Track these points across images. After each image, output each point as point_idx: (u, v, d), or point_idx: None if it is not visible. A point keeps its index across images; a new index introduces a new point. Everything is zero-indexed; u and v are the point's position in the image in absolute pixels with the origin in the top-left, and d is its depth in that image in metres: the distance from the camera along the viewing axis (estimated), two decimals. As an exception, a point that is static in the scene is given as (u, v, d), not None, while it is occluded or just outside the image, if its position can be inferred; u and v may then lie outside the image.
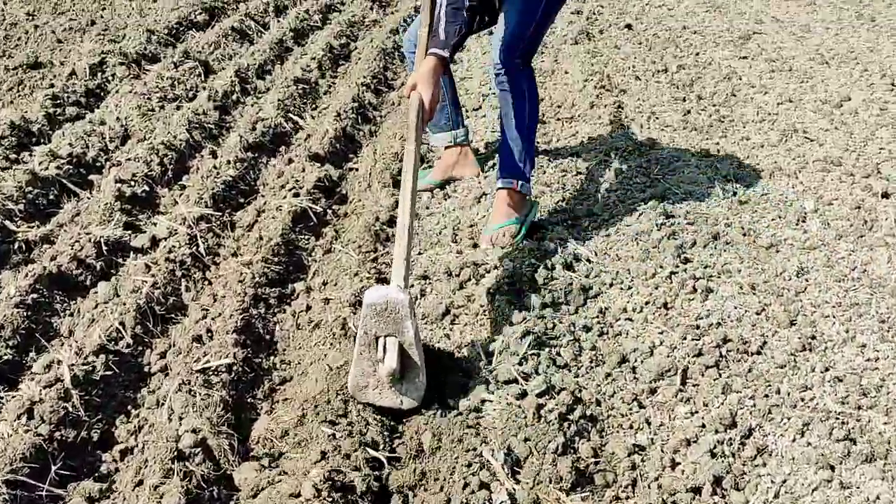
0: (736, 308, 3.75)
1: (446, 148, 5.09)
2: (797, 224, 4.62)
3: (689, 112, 6.24)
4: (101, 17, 7.62)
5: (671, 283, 3.90)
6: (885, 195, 4.93)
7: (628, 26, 8.53)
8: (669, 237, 4.25)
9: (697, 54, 7.76)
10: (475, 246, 4.25)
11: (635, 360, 3.43)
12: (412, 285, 3.86)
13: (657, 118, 6.10)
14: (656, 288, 3.87)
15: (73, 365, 3.11)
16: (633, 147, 5.40)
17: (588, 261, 4.15)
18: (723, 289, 3.90)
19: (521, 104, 4.46)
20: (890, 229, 4.55)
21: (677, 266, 4.03)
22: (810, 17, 9.10)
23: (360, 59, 7.25)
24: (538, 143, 5.47)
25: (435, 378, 3.11)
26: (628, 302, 3.81)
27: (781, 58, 7.64)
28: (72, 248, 3.93)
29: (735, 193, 4.99)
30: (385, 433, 2.94)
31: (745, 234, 4.49)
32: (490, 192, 4.73)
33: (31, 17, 7.42)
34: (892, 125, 6.04)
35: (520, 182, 4.40)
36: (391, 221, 4.39)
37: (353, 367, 3.03)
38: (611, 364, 3.39)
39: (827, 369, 3.37)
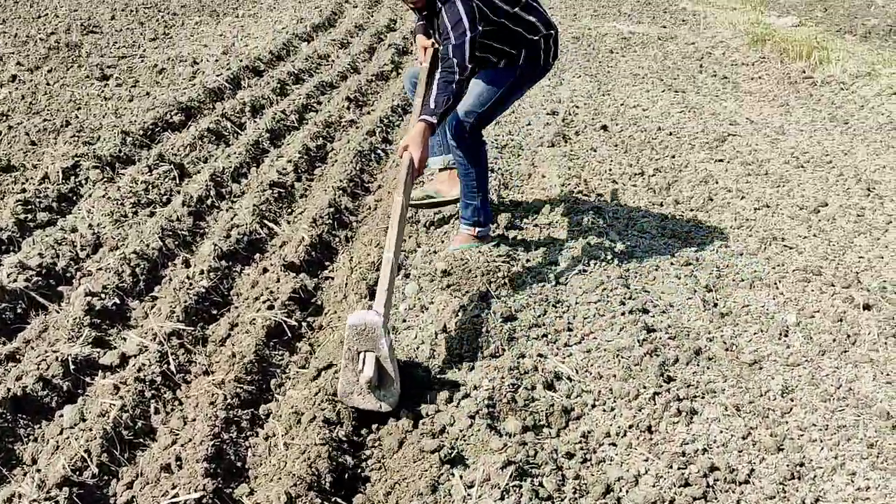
0: (721, 432, 3.67)
1: (440, 170, 5.89)
2: (780, 338, 4.57)
3: (666, 217, 6.22)
4: (77, 117, 7.56)
5: (655, 404, 3.81)
6: (867, 307, 4.89)
7: (604, 127, 8.56)
8: (651, 354, 4.18)
9: (673, 157, 7.78)
10: (453, 362, 4.16)
11: (620, 491, 3.33)
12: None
13: (635, 224, 6.08)
14: (640, 410, 3.79)
15: (34, 501, 2.97)
16: (611, 256, 5.35)
17: (569, 379, 4.07)
18: (707, 410, 3.82)
19: (472, 169, 5.21)
20: (873, 344, 4.51)
21: (660, 386, 3.94)
22: (784, 119, 9.17)
23: (336, 161, 7.21)
24: (517, 246, 5.43)
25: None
26: (611, 425, 3.72)
27: (757, 161, 7.68)
28: (38, 368, 3.81)
29: (716, 305, 4.94)
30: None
31: (727, 350, 4.43)
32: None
33: (4, 118, 7.36)
34: (870, 232, 6.04)
35: (477, 229, 5.33)
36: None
37: (340, 377, 3.68)
38: (595, 495, 3.28)
39: (817, 500, 3.28)
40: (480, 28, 4.60)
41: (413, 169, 4.40)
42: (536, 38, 5.01)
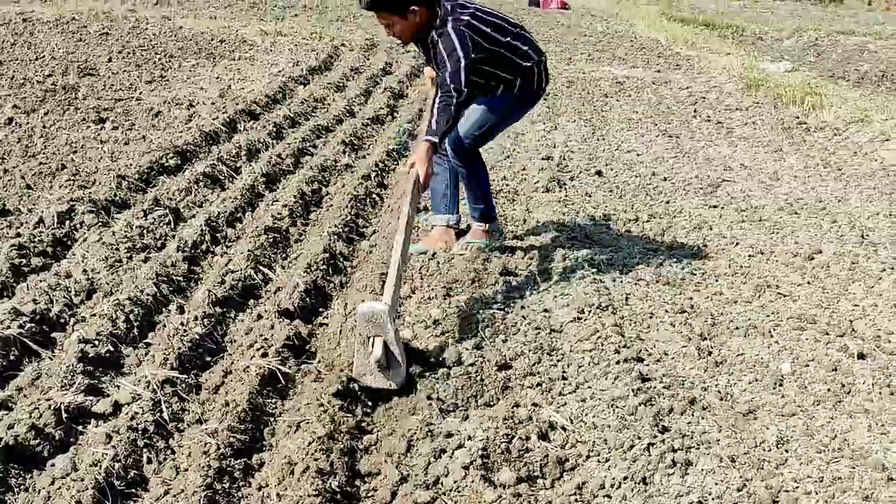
0: (717, 484, 3.66)
1: (445, 226, 6.26)
2: (774, 388, 4.57)
3: (661, 264, 6.23)
4: (72, 160, 7.57)
5: (649, 455, 3.80)
6: (861, 356, 4.90)
7: (599, 173, 8.60)
8: (646, 404, 4.17)
9: (667, 202, 7.82)
10: (447, 411, 4.14)
11: (615, 544, 3.31)
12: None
13: (629, 270, 6.08)
14: (634, 461, 3.77)
15: (24, 554, 2.95)
16: (606, 303, 5.35)
17: (563, 429, 4.06)
18: (702, 461, 3.81)
19: (476, 175, 5.91)
20: (868, 394, 4.51)
21: (655, 436, 3.93)
22: (778, 165, 9.23)
23: (331, 205, 7.23)
24: (511, 292, 5.45)
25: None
26: (606, 476, 3.70)
27: (751, 207, 7.72)
28: (30, 416, 3.79)
29: (710, 353, 4.94)
30: None
31: (722, 399, 4.43)
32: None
33: (0, 161, 7.37)
34: (864, 280, 6.06)
35: (488, 224, 6.08)
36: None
37: (355, 361, 4.30)
38: (589, 548, 3.26)
39: (813, 554, 3.26)
40: (474, 56, 5.16)
41: (419, 183, 5.02)
42: (529, 64, 5.60)
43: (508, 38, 5.48)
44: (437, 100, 5.10)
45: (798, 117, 11.40)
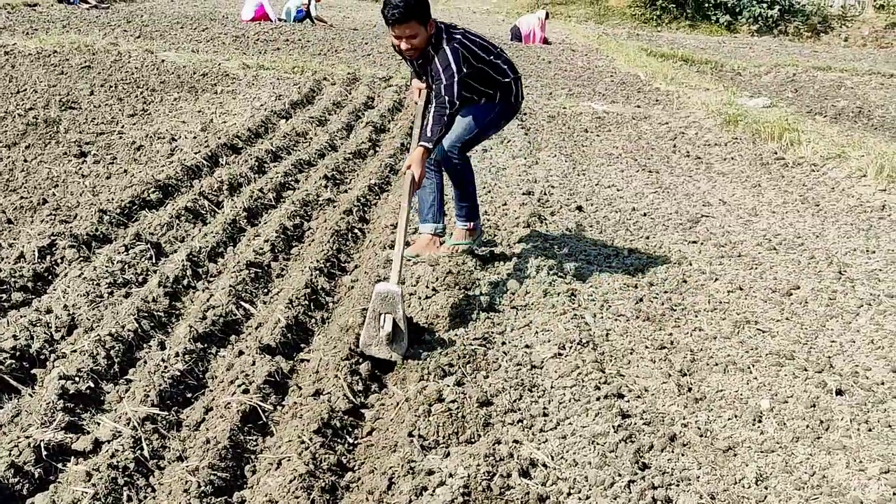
0: (696, 522, 3.67)
1: (431, 234, 6.83)
2: (754, 424, 4.59)
3: (641, 300, 6.27)
4: (54, 194, 7.56)
5: (630, 492, 3.82)
6: (839, 392, 4.94)
7: (579, 208, 8.65)
8: (626, 440, 4.19)
9: (647, 238, 7.87)
10: (428, 449, 4.15)
11: (595, 582, 3.32)
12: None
13: (610, 306, 6.12)
14: (615, 499, 3.79)
15: None
16: (587, 339, 5.38)
17: (545, 466, 4.07)
18: (682, 499, 3.83)
19: (463, 177, 6.49)
20: (846, 430, 4.54)
21: (635, 473, 3.95)
22: (756, 200, 9.30)
23: (313, 240, 7.24)
24: (493, 328, 5.47)
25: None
26: (587, 514, 3.71)
27: (730, 242, 7.78)
28: (9, 454, 3.77)
29: (690, 389, 4.97)
30: None
31: (701, 436, 4.45)
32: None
33: (-19, 196, 7.37)
34: (841, 316, 6.11)
35: (472, 223, 6.66)
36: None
37: (363, 332, 4.93)
38: (570, 587, 3.27)
39: (792, 593, 3.28)
40: (465, 71, 5.81)
41: (413, 184, 5.60)
42: (508, 80, 6.32)
43: (491, 57, 6.17)
44: (433, 110, 5.67)
45: (776, 153, 11.51)
